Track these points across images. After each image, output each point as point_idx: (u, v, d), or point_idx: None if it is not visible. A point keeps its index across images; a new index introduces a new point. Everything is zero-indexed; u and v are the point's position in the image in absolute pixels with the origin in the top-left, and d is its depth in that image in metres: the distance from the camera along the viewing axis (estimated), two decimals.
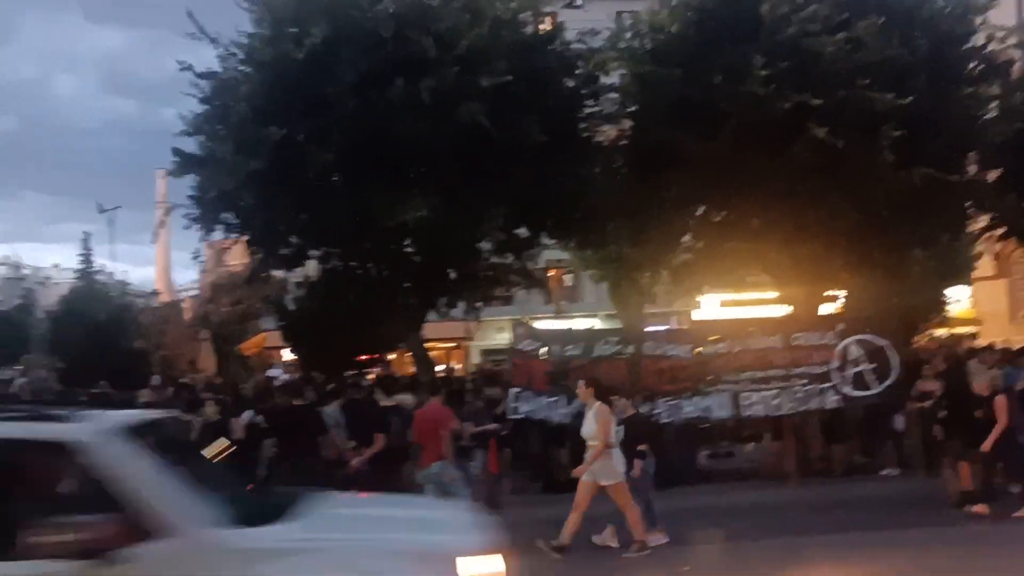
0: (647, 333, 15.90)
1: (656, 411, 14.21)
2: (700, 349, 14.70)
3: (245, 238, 16.16)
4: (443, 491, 10.19)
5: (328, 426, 11.35)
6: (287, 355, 37.95)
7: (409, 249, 16.31)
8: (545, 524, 10.26)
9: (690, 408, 14.43)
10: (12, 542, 4.33)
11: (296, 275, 21.95)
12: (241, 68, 14.51)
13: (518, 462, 15.10)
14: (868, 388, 14.24)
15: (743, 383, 14.54)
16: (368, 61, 13.72)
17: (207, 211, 15.40)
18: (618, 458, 9.73)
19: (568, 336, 15.89)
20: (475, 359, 38.86)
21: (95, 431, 4.73)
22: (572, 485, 14.41)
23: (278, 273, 19.03)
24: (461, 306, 18.03)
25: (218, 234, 16.01)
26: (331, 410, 11.71)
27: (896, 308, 18.78)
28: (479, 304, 17.50)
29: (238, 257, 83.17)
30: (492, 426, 13.61)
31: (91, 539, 4.26)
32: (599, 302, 31.92)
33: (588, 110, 16.25)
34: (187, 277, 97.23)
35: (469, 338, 38.53)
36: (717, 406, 14.41)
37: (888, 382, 14.16)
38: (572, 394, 14.21)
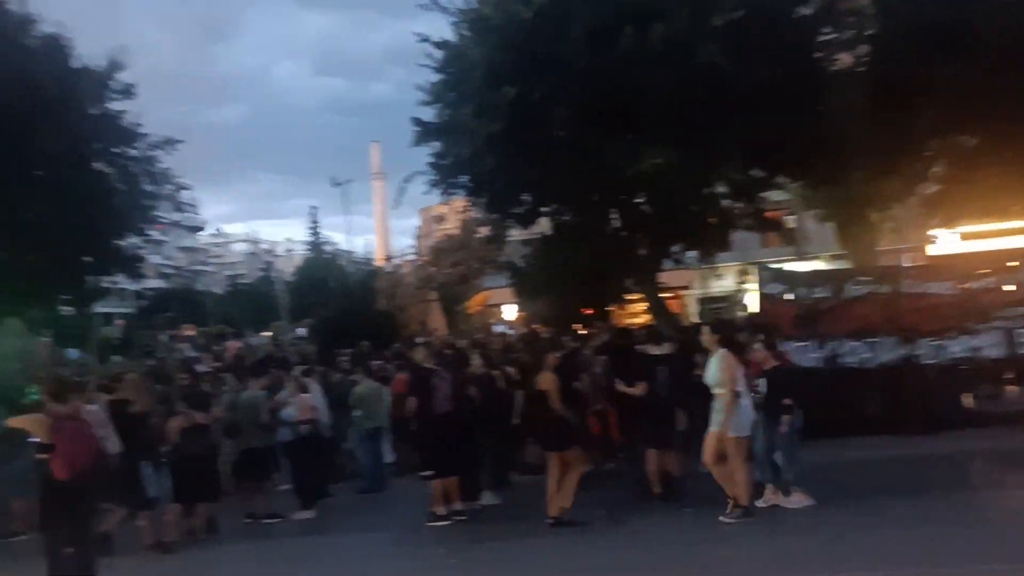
0: (903, 270, 14.97)
1: (917, 352, 13.43)
2: (967, 284, 13.64)
3: (482, 200, 16.71)
4: None
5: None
6: (508, 312, 39.32)
7: (639, 200, 16.33)
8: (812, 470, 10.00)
9: (956, 348, 13.47)
10: None
11: (521, 234, 22.52)
12: (470, 34, 14.93)
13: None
14: None
15: (1017, 319, 13.39)
16: (596, 13, 13.72)
17: (446, 176, 16.11)
18: (746, 410, 8.93)
19: (816, 277, 15.27)
20: (692, 308, 38.47)
21: None
22: (826, 431, 14.11)
23: (513, 232, 19.54)
24: (692, 254, 17.85)
25: (456, 197, 16.62)
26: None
27: None
28: (713, 250, 17.12)
29: (453, 222, 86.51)
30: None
31: None
32: (821, 244, 30.49)
33: (822, 39, 15.39)
34: (401, 244, 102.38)
35: (686, 287, 38.12)
36: (989, 344, 13.35)
37: None
38: (822, 338, 13.84)
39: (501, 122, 13.80)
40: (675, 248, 17.15)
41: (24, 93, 15.81)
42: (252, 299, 70.07)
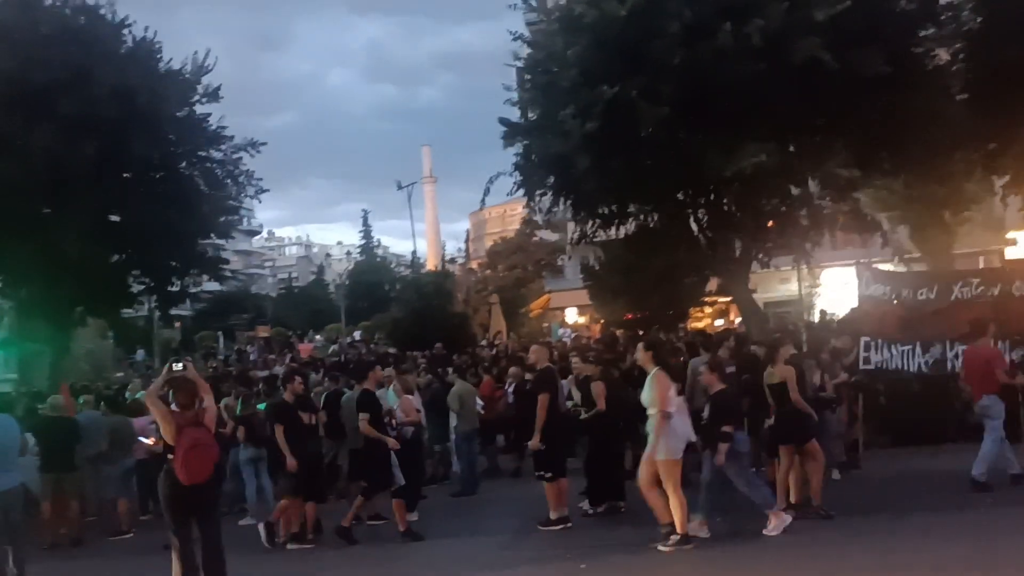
0: (1017, 271, 14.45)
1: None
2: None
3: (568, 201, 16.49)
4: None
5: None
6: (571, 316, 39.09)
7: (726, 200, 16.03)
8: (903, 480, 9.69)
9: None
10: None
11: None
12: (562, 32, 14.76)
13: (866, 415, 14.38)
14: None
15: None
16: (692, 10, 13.48)
17: (533, 176, 15.96)
18: (678, 432, 8.36)
19: (921, 279, 14.81)
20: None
21: None
22: (922, 438, 13.68)
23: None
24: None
25: (543, 198, 16.47)
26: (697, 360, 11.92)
27: None
28: (809, 249, 16.69)
29: (500, 225, 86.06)
30: (843, 377, 13.02)
31: None
32: (894, 246, 29.81)
33: (923, 33, 14.96)
34: (450, 247, 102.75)
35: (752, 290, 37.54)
36: None
37: None
38: (927, 342, 13.38)
39: (597, 121, 13.60)
40: (762, 248, 16.70)
41: (117, 97, 16.05)
42: (305, 302, 70.82)
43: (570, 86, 14.02)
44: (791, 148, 13.43)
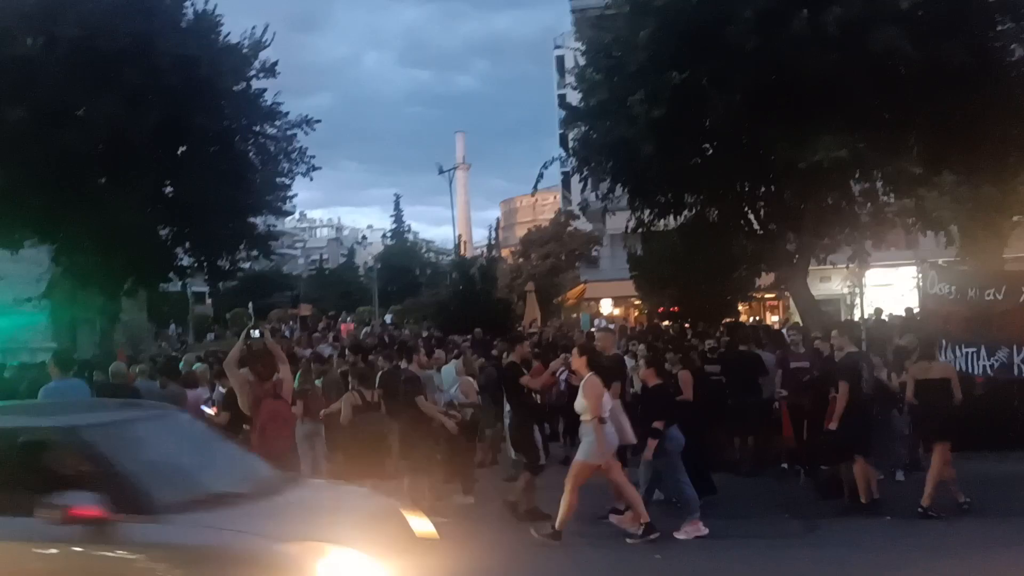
0: None
1: None
2: None
3: (627, 187, 16.27)
4: None
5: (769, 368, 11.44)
6: (606, 306, 38.88)
7: (787, 193, 15.72)
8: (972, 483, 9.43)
9: None
10: None
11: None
12: (630, 15, 14.51)
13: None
14: None
15: None
16: None
17: (591, 161, 15.76)
18: (608, 438, 8.27)
19: (989, 279, 14.41)
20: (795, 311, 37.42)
21: None
22: (984, 443, 13.34)
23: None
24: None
25: (602, 184, 16.27)
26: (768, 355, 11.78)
27: None
28: (868, 247, 16.37)
29: (531, 214, 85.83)
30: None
31: None
32: (936, 248, 29.31)
33: (1000, 28, 14.55)
34: (478, 235, 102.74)
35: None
36: None
37: None
38: (993, 344, 13.01)
39: (664, 107, 13.37)
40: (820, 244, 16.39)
41: (179, 68, 16.02)
42: (335, 284, 71.09)
43: (638, 70, 13.78)
44: (868, 142, 13.04)
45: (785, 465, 11.40)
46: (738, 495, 10.08)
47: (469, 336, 20.37)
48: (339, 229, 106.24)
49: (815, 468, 10.57)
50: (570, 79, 15.28)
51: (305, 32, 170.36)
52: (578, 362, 8.60)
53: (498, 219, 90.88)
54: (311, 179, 19.01)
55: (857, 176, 14.63)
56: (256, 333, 8.02)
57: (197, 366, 14.41)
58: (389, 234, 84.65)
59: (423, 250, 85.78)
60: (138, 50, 15.68)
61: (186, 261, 19.42)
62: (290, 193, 18.80)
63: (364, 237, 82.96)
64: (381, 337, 24.79)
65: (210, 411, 11.61)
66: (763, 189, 15.88)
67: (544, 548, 8.30)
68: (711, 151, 14.20)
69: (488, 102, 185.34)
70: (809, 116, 13.51)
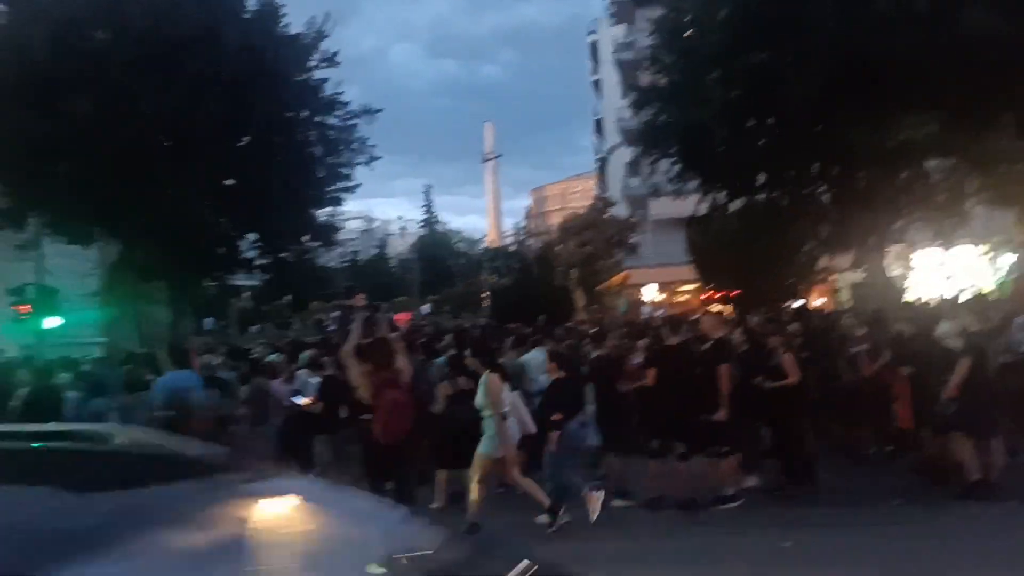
0: None
1: None
2: None
3: (695, 170, 16.07)
4: None
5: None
6: (649, 292, 38.63)
7: (859, 174, 15.42)
8: None
9: None
10: None
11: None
12: None
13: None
14: None
15: None
16: None
17: (658, 144, 15.56)
18: (509, 432, 8.32)
19: None
20: (845, 295, 36.89)
21: None
22: None
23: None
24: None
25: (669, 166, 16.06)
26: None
27: None
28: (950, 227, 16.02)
29: (561, 202, 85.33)
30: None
31: None
32: (987, 230, 28.73)
33: None
34: (507, 224, 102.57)
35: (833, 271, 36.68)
36: None
37: None
38: None
39: (741, 89, 13.14)
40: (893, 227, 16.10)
41: (242, 58, 15.96)
42: (368, 276, 71.30)
43: (715, 52, 13.55)
44: (946, 120, 12.75)
45: (875, 450, 11.15)
46: (841, 484, 9.87)
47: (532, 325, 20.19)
48: (370, 220, 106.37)
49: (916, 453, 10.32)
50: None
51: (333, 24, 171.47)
52: (474, 363, 8.83)
53: (528, 207, 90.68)
54: (372, 168, 18.95)
55: (934, 155, 14.31)
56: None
57: (273, 356, 14.44)
58: (419, 225, 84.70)
59: (454, 240, 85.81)
60: (203, 41, 15.63)
61: (250, 253, 19.37)
62: (352, 183, 18.72)
63: (403, 228, 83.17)
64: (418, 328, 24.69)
65: (303, 401, 11.60)
66: (836, 170, 15.60)
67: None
68: (785, 133, 13.90)
69: (514, 92, 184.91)
70: (890, 95, 13.22)
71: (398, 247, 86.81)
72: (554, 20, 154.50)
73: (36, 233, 18.42)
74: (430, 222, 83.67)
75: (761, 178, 16.07)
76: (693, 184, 16.56)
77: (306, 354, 14.57)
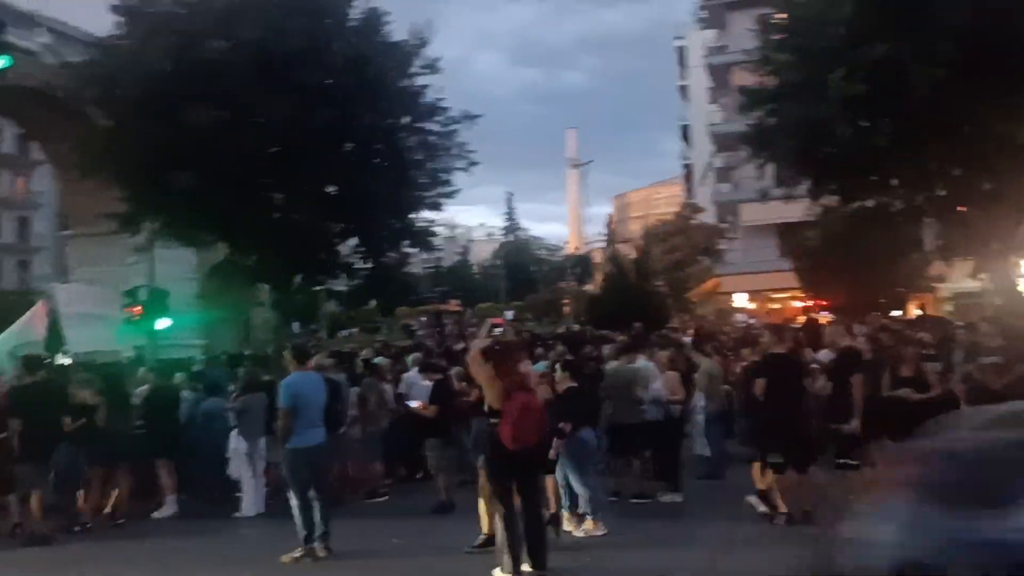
0: None
1: None
2: None
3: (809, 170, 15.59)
4: None
5: None
6: (739, 301, 37.82)
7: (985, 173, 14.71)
8: None
9: None
10: None
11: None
12: None
13: None
14: None
15: None
16: None
17: (769, 145, 15.16)
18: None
19: None
20: (947, 306, 35.45)
21: None
22: None
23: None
24: None
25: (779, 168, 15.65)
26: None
27: None
28: None
29: (644, 208, 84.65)
30: None
31: None
32: None
33: None
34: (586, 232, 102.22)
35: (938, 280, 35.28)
36: None
37: None
38: None
39: (863, 84, 12.68)
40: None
41: (349, 67, 16.23)
42: (451, 282, 72.03)
43: (834, 47, 13.13)
44: None
45: None
46: None
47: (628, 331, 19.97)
48: (452, 227, 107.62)
49: None
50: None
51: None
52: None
53: (610, 214, 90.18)
54: (471, 173, 19.04)
55: None
56: (498, 330, 7.86)
57: (379, 360, 14.57)
58: (501, 232, 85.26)
59: (536, 247, 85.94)
60: (311, 50, 15.95)
61: (351, 258, 19.66)
62: (452, 188, 18.83)
63: (491, 235, 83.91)
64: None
65: (416, 405, 11.63)
66: (957, 170, 14.93)
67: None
68: (906, 129, 13.36)
69: (596, 98, 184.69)
70: (1021, 86, 12.59)
71: (480, 254, 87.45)
72: (636, 26, 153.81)
73: (149, 238, 19.08)
74: (512, 229, 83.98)
75: (876, 179, 15.50)
76: (799, 188, 16.05)
77: (413, 357, 14.72)
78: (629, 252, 62.27)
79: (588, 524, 8.74)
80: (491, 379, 7.71)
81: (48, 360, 12.97)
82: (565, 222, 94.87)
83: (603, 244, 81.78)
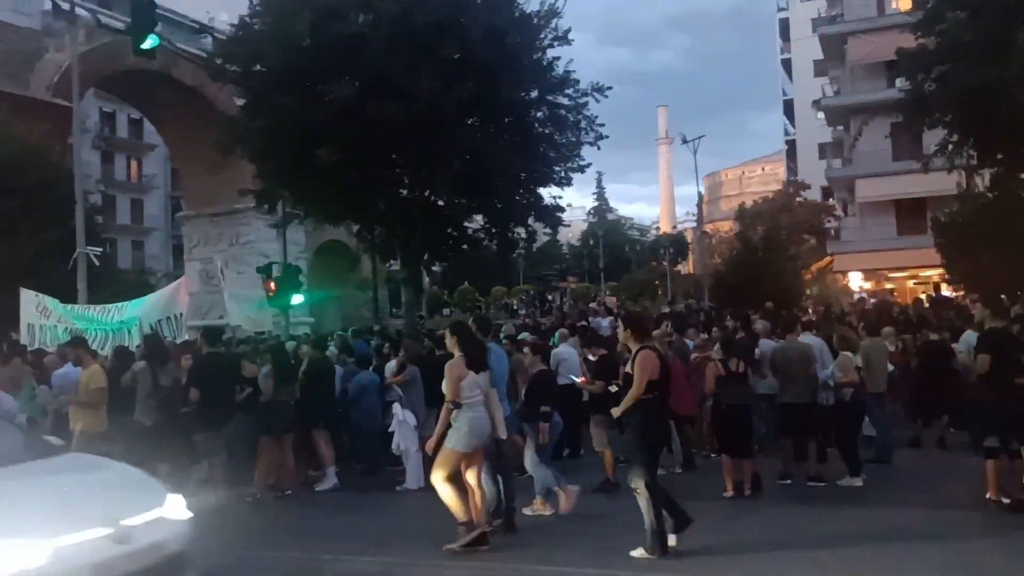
0: None
1: None
2: None
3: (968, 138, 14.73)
4: None
5: None
6: (855, 280, 36.54)
7: None
8: None
9: None
10: None
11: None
12: None
13: None
14: None
15: None
16: None
17: (928, 112, 14.35)
18: (476, 423, 7.77)
19: None
20: None
21: None
22: None
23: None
24: None
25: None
26: None
27: None
28: None
29: (736, 187, 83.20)
30: None
31: None
32: None
33: None
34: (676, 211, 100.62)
35: None
36: None
37: None
38: None
39: None
40: None
41: (488, 40, 16.02)
42: (543, 261, 71.93)
43: (1016, 3, 12.27)
44: None
45: None
46: None
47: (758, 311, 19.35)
48: None
49: None
50: (796, 43, 13.85)
51: None
52: (450, 341, 8.25)
53: (701, 193, 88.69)
54: (599, 148, 18.64)
55: None
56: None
57: (524, 335, 14.44)
58: (591, 212, 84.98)
59: (626, 227, 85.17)
60: (452, 22, 15.81)
61: (480, 235, 19.55)
62: (583, 162, 18.48)
63: (590, 213, 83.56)
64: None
65: (578, 380, 11.41)
66: None
67: None
68: None
69: (686, 77, 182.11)
70: None
71: (569, 234, 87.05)
72: (727, 3, 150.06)
73: (285, 215, 19.37)
74: (602, 209, 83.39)
75: None
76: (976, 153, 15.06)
77: (560, 331, 14.53)
78: (723, 232, 61.09)
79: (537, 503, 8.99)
80: (648, 355, 7.48)
81: (229, 334, 13.34)
82: (650, 202, 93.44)
83: (693, 224, 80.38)
